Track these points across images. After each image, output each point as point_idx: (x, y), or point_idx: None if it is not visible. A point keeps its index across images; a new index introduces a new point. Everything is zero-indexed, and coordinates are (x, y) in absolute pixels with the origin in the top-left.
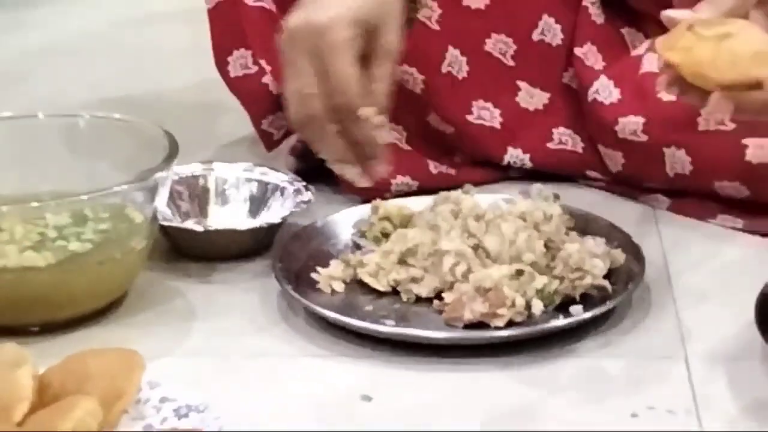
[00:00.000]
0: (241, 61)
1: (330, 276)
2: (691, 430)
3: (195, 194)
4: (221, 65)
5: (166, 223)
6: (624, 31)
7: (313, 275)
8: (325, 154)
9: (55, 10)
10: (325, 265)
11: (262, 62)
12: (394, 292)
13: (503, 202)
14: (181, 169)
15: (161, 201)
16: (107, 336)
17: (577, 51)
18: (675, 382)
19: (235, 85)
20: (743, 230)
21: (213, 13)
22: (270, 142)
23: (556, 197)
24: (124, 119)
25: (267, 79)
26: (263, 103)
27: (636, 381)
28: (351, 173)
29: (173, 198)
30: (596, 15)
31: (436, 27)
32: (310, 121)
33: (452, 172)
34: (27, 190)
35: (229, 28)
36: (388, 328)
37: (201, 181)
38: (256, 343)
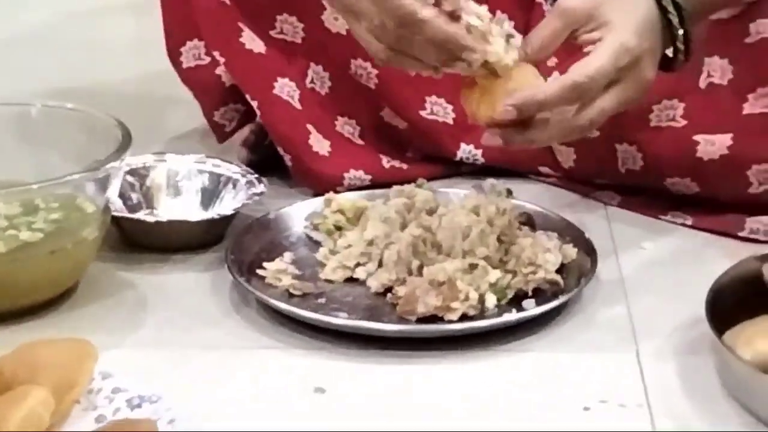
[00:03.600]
0: (194, 52)
1: (277, 270)
2: (642, 424)
3: (147, 185)
4: (174, 56)
5: (118, 214)
6: None
7: (259, 271)
8: (428, 69)
9: (4, 2)
10: (278, 256)
11: (216, 54)
12: (347, 285)
13: (456, 197)
14: (134, 160)
15: (113, 191)
16: (59, 326)
17: None
18: (626, 376)
19: (187, 75)
20: (692, 227)
21: (166, 4)
22: (222, 134)
23: (509, 192)
24: (76, 108)
25: (220, 70)
26: (216, 95)
27: (588, 375)
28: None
29: (125, 189)
30: (548, 10)
31: None
32: (395, 50)
33: (404, 166)
34: None
35: (182, 19)
36: (341, 320)
37: (153, 173)
38: (208, 334)
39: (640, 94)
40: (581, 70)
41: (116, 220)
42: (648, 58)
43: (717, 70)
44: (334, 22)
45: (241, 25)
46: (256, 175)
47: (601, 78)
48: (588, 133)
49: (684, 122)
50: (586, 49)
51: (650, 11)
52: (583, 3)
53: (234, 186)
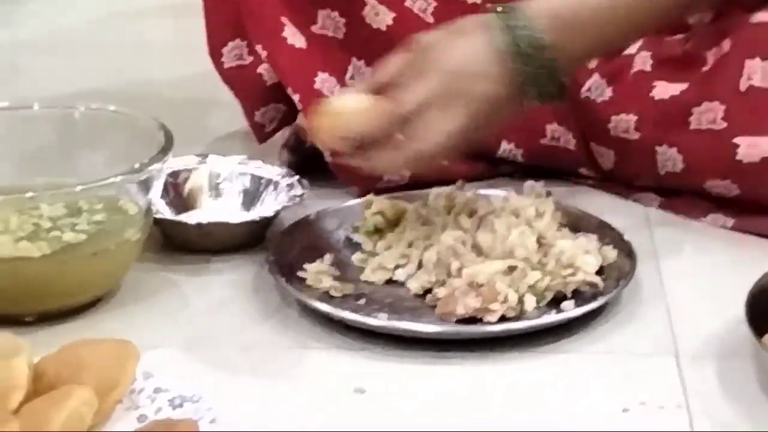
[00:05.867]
0: (235, 52)
1: (317, 272)
2: (681, 426)
3: (188, 187)
4: (215, 56)
5: (160, 216)
6: None
7: (300, 272)
8: None
9: (48, 4)
10: (318, 258)
11: (258, 47)
12: (387, 286)
13: (496, 198)
14: (176, 161)
15: (155, 193)
16: (101, 326)
17: None
18: (666, 378)
19: (228, 75)
20: (733, 229)
21: (208, 4)
22: (262, 134)
23: (549, 194)
24: (119, 111)
25: (261, 69)
26: (256, 94)
27: (627, 377)
28: None
29: (167, 190)
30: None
31: (431, 19)
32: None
33: (445, 162)
34: (22, 180)
35: (224, 19)
36: (381, 321)
37: (195, 174)
38: (249, 335)
39: (480, 120)
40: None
41: (158, 222)
42: (480, 86)
43: (757, 72)
44: (375, 17)
45: (283, 20)
46: (298, 177)
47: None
48: (432, 151)
49: (724, 125)
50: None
51: (491, 42)
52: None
53: (275, 188)
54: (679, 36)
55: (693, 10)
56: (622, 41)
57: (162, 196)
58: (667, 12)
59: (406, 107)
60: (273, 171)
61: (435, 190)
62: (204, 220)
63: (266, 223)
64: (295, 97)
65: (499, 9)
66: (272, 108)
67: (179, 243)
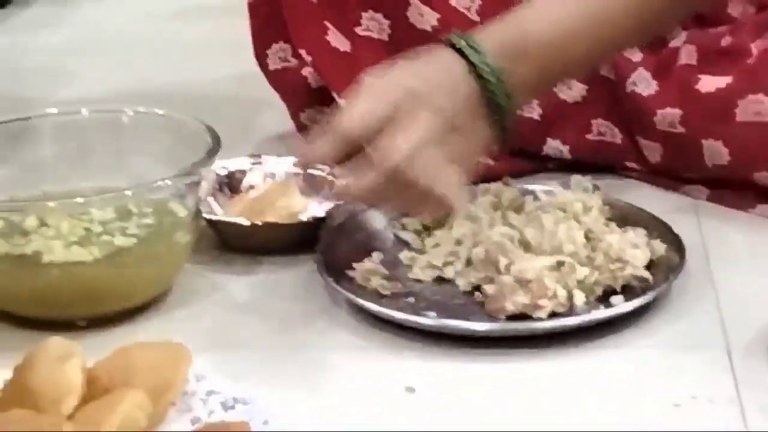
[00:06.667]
0: (280, 54)
1: (366, 271)
2: (733, 420)
3: (242, 188)
4: (260, 58)
5: (213, 217)
6: None
7: (349, 271)
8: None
9: (97, 6)
10: (367, 257)
11: (303, 52)
12: (435, 284)
13: (543, 194)
14: (230, 162)
15: (205, 195)
16: (153, 329)
17: None
18: (717, 372)
19: (274, 77)
20: None
21: (252, 6)
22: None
23: (596, 188)
24: (166, 114)
25: (306, 71)
26: (302, 96)
27: (678, 371)
28: None
29: (221, 191)
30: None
31: (476, 18)
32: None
33: (491, 162)
34: (72, 185)
35: (269, 20)
36: (430, 320)
37: (249, 175)
38: (300, 336)
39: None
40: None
41: (211, 223)
42: (424, 107)
43: None
44: (420, 18)
45: (327, 23)
46: None
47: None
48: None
49: None
50: None
51: (448, 71)
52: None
53: (329, 188)
54: (723, 28)
55: (648, 36)
56: (573, 72)
57: (216, 197)
58: (620, 41)
59: (398, 157)
60: (326, 170)
61: (482, 187)
62: (258, 221)
63: (318, 223)
64: (341, 101)
65: (452, 37)
66: (317, 109)
67: (232, 244)
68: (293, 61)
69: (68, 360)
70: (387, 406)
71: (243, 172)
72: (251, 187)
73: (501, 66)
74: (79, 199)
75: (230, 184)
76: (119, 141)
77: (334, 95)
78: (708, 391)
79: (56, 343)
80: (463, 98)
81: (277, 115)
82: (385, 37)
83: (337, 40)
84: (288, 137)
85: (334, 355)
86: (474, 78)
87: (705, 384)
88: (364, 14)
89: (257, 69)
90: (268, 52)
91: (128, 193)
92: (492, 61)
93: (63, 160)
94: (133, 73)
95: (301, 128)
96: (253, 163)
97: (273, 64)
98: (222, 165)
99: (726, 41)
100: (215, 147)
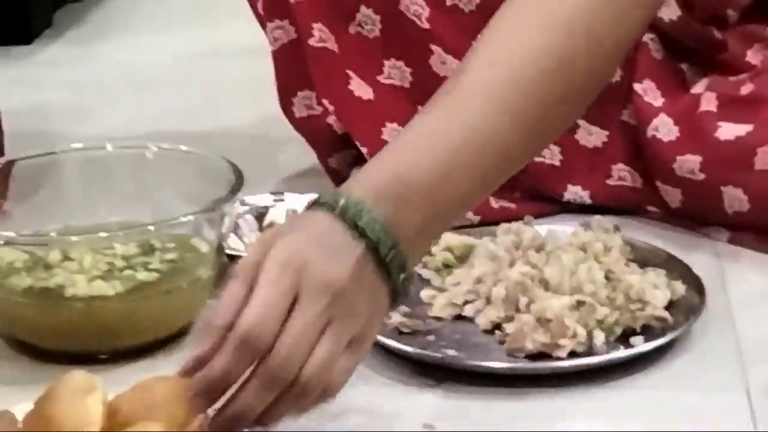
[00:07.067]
0: (305, 102)
1: None
2: None
3: (265, 224)
4: (286, 106)
5: (235, 253)
6: (683, 66)
7: None
8: None
9: (122, 44)
10: None
11: (325, 102)
12: (455, 322)
13: (563, 234)
14: (253, 199)
15: (227, 231)
16: (174, 364)
17: (636, 87)
18: (737, 414)
19: (300, 125)
20: None
21: (277, 55)
22: (339, 179)
23: (617, 229)
24: (190, 151)
25: (331, 119)
26: (329, 142)
27: (697, 412)
28: None
29: (244, 227)
30: (655, 51)
31: None
32: None
33: (513, 206)
34: (96, 220)
35: (293, 69)
36: (450, 357)
37: (272, 212)
38: None
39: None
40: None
41: (232, 259)
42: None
43: None
44: (441, 66)
45: (349, 72)
46: None
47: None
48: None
49: None
50: None
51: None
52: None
53: None
54: (744, 76)
55: (546, 142)
56: (468, 204)
57: (239, 234)
58: (512, 158)
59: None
60: None
61: (503, 226)
62: None
63: None
64: (364, 150)
65: (322, 200)
66: (346, 154)
67: None
68: (318, 109)
69: (90, 393)
70: None
71: (266, 209)
72: (271, 224)
73: (384, 219)
74: (103, 234)
75: (252, 221)
76: (143, 177)
77: (358, 144)
78: None
79: (78, 376)
80: (349, 265)
81: (299, 152)
82: (407, 85)
83: (360, 88)
84: (311, 174)
85: (354, 391)
86: (358, 238)
87: (724, 426)
88: (386, 62)
89: (278, 108)
90: (294, 99)
91: (151, 228)
92: (376, 217)
93: (87, 195)
94: (158, 111)
95: (331, 172)
96: (276, 200)
97: (299, 112)
98: (244, 201)
99: (746, 89)
100: (238, 183)
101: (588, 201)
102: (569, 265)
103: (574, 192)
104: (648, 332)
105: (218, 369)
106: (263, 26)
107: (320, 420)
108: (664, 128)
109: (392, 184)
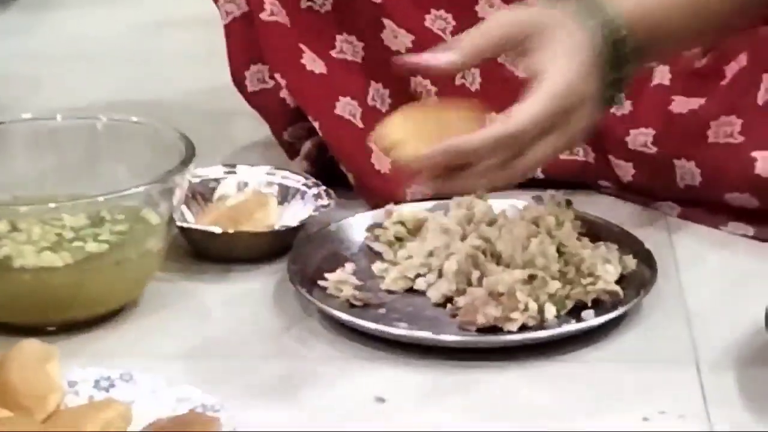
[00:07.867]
0: (258, 76)
1: (338, 281)
2: None
3: (215, 196)
4: (238, 80)
5: (185, 225)
6: None
7: (321, 281)
8: None
9: (72, 14)
10: (339, 267)
11: (278, 76)
12: (407, 295)
13: (516, 208)
14: (204, 171)
15: (178, 203)
16: (123, 336)
17: None
18: (686, 388)
19: (253, 99)
20: (754, 237)
21: (229, 29)
22: (293, 151)
23: (569, 203)
24: (141, 122)
25: (284, 93)
26: (282, 116)
27: (647, 386)
28: None
29: (194, 199)
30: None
31: (451, 39)
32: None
33: None
34: (45, 191)
35: (245, 43)
36: (401, 330)
37: (223, 184)
38: (270, 344)
39: (578, 140)
40: (514, 120)
41: (183, 231)
42: (586, 106)
43: None
44: (394, 40)
45: (302, 46)
46: (324, 187)
47: (535, 128)
48: (520, 180)
49: (741, 138)
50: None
51: (593, 51)
52: (521, 18)
53: (302, 197)
54: (697, 50)
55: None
56: (705, 37)
57: (189, 205)
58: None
59: (512, 129)
60: (300, 180)
61: (455, 200)
62: (230, 230)
63: (291, 232)
64: (316, 124)
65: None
66: (299, 127)
67: (204, 252)
68: (271, 83)
69: (49, 361)
70: (357, 416)
71: (216, 181)
72: (222, 196)
73: (635, 40)
74: (52, 205)
75: (203, 193)
76: (93, 148)
77: (310, 119)
78: (677, 407)
79: (33, 345)
80: (594, 95)
81: (251, 124)
82: (359, 59)
83: (312, 63)
84: (261, 146)
85: (305, 364)
86: (611, 62)
87: (674, 399)
88: (338, 37)
89: (230, 80)
90: (246, 73)
91: (101, 199)
92: (626, 35)
93: (36, 165)
94: (109, 82)
95: (285, 145)
96: (227, 172)
97: (251, 86)
98: (195, 173)
99: (700, 63)
100: (189, 155)
101: (540, 175)
102: (521, 239)
103: None
104: (599, 306)
105: (475, 144)
106: (215, 0)
107: (269, 393)
108: None
109: (650, 9)
